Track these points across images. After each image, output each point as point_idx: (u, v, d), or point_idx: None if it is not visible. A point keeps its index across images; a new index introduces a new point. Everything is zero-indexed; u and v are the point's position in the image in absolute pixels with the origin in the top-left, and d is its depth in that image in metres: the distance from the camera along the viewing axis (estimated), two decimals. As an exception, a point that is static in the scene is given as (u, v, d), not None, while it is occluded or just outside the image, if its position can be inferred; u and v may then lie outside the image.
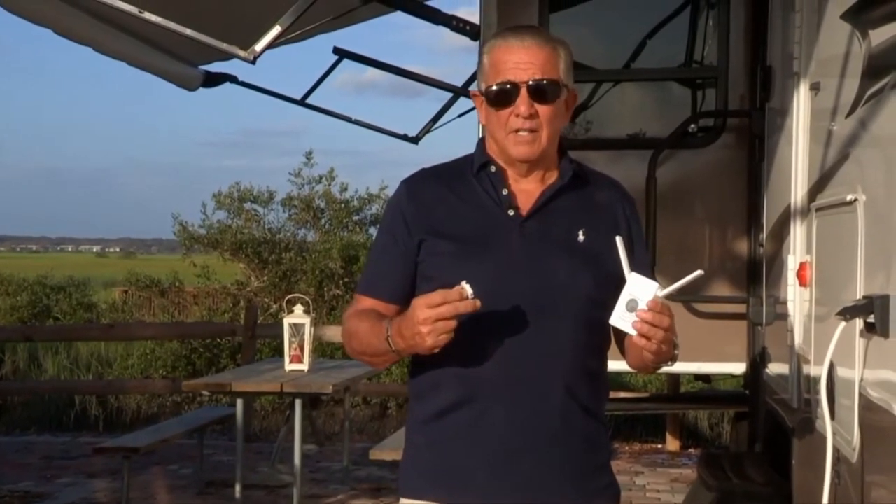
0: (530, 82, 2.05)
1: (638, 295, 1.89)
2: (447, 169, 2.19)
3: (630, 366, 2.15)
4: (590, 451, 2.10)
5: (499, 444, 2.02)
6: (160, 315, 12.75)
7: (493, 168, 2.12)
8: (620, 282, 1.99)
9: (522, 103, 2.05)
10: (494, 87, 2.07)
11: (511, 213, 2.08)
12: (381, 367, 2.15)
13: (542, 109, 2.06)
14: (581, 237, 2.08)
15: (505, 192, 2.10)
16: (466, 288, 1.89)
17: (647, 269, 2.13)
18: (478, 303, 1.89)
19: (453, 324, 1.89)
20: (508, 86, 2.05)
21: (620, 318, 1.90)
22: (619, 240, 1.95)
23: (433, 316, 1.89)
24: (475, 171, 2.13)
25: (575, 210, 2.11)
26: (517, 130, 2.06)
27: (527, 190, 2.11)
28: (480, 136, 2.22)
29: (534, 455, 2.03)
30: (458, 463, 2.05)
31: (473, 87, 2.20)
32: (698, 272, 1.92)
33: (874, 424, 2.28)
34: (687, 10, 5.14)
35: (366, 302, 2.15)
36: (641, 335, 1.89)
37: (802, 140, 3.43)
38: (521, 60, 2.05)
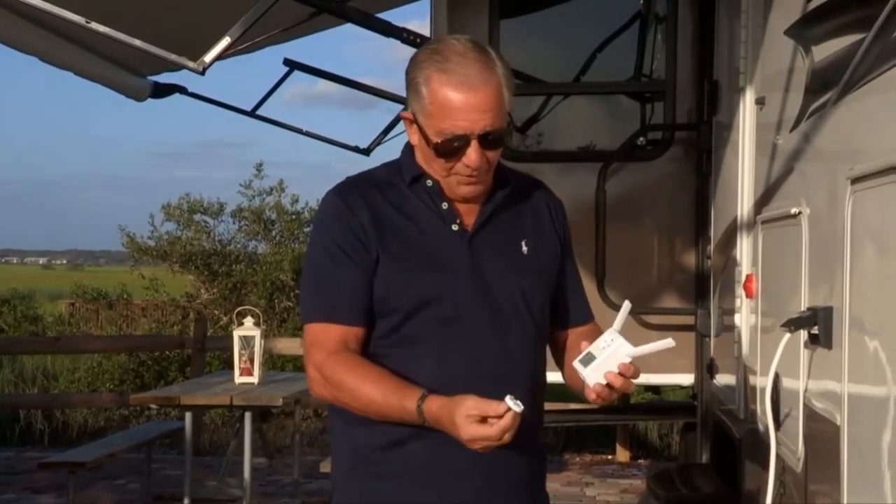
0: (482, 133, 1.91)
1: (607, 354, 1.83)
2: (375, 178, 2.06)
3: (568, 383, 2.09)
4: (541, 468, 2.10)
5: (461, 471, 1.95)
6: (108, 328, 12.55)
7: (429, 182, 2.02)
8: (559, 289, 2.00)
9: (474, 153, 1.92)
10: (441, 140, 1.92)
11: (455, 227, 2.00)
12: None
13: (492, 154, 1.95)
14: (524, 248, 2.05)
15: (445, 205, 2.01)
16: (514, 406, 1.77)
17: (575, 276, 2.15)
18: (518, 418, 1.78)
19: (504, 441, 1.79)
20: (460, 139, 1.91)
21: (581, 366, 1.85)
22: (626, 304, 1.88)
23: (483, 438, 1.78)
24: (408, 182, 2.03)
25: (514, 221, 2.07)
26: (466, 175, 1.96)
27: (465, 203, 2.03)
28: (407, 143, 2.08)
29: (494, 477, 1.98)
30: (418, 493, 1.97)
31: (405, 109, 2.02)
32: (669, 342, 1.84)
33: (818, 434, 2.31)
34: (636, 24, 5.20)
35: (332, 331, 1.96)
36: (599, 397, 1.84)
37: (748, 153, 3.48)
38: (472, 108, 1.89)
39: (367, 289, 1.96)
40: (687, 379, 4.93)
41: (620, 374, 1.82)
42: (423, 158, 2.01)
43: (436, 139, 1.93)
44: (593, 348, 1.84)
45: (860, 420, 1.97)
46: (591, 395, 1.85)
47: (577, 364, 1.84)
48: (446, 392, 1.89)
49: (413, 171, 2.03)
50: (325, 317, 1.98)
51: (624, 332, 1.88)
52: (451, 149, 1.93)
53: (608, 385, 1.83)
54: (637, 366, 1.85)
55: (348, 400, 1.95)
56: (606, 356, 1.82)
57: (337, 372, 1.94)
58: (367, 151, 6.47)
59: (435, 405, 1.85)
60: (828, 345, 2.20)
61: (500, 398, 1.83)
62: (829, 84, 2.30)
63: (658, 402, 7.43)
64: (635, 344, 1.85)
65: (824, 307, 2.23)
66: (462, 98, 1.89)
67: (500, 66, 1.94)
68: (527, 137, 5.39)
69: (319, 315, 1.99)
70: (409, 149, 2.07)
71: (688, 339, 4.82)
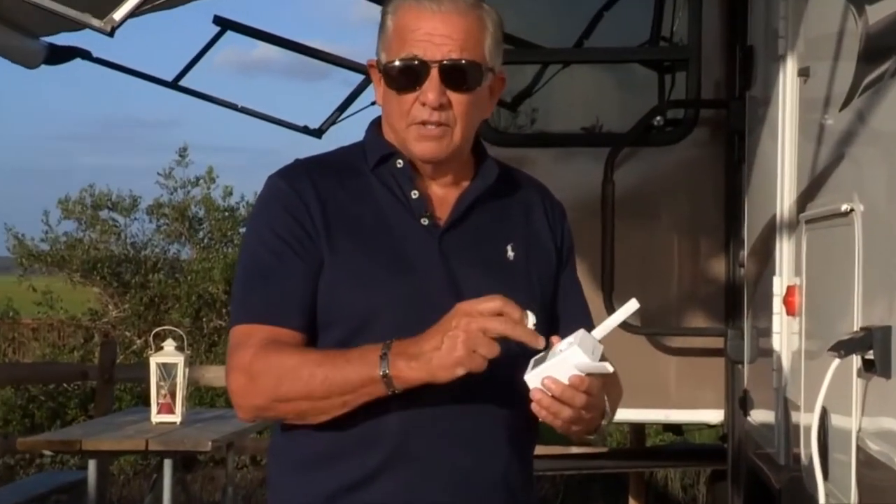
0: (444, 62, 1.96)
1: (558, 358, 1.84)
2: (332, 161, 2.10)
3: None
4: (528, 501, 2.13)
5: None
6: (-11, 354, 12.49)
7: (399, 162, 2.05)
8: (554, 298, 2.07)
9: (431, 89, 1.97)
10: (396, 63, 1.98)
11: (425, 221, 2.04)
12: (320, 419, 1.93)
13: (457, 98, 1.99)
14: (510, 253, 2.08)
15: (415, 193, 2.04)
16: (530, 317, 1.84)
17: (576, 291, 2.19)
18: (541, 340, 1.82)
19: (496, 348, 1.81)
20: (415, 63, 1.97)
21: (532, 365, 1.88)
22: (633, 301, 1.89)
23: (479, 325, 1.80)
24: (372, 165, 2.06)
25: (500, 219, 2.10)
26: (422, 123, 1.99)
27: (439, 194, 2.07)
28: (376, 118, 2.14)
29: None
30: None
31: (372, 58, 2.10)
32: (606, 366, 1.86)
33: (874, 484, 2.34)
34: (652, -25, 5.24)
35: (262, 331, 1.97)
36: (541, 407, 1.86)
37: (790, 137, 3.52)
38: (434, 31, 1.97)
39: (311, 289, 1.99)
40: (715, 416, 4.96)
41: (571, 385, 1.83)
42: (386, 116, 2.07)
43: (389, 64, 1.99)
44: (554, 349, 1.88)
45: (925, 465, 2.00)
46: (532, 404, 1.86)
47: (531, 362, 1.88)
48: (411, 433, 1.94)
49: (380, 151, 2.07)
50: (256, 318, 1.99)
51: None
52: (405, 74, 1.98)
53: (553, 396, 1.84)
54: (595, 381, 1.86)
55: (289, 387, 1.92)
56: (556, 360, 1.85)
57: (270, 360, 1.93)
58: (318, 133, 6.49)
59: (405, 339, 1.86)
60: (886, 373, 2.23)
61: (477, 435, 1.89)
62: (886, 51, 2.33)
63: (680, 446, 7.48)
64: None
65: (881, 327, 2.26)
66: (425, 17, 1.97)
67: (486, 12, 2.02)
68: (517, 116, 5.41)
69: (248, 317, 2.00)
70: (374, 126, 2.12)
71: (716, 367, 4.86)
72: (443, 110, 1.99)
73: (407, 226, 2.04)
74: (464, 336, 1.81)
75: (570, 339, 1.88)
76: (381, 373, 1.86)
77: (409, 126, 2.01)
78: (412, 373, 1.86)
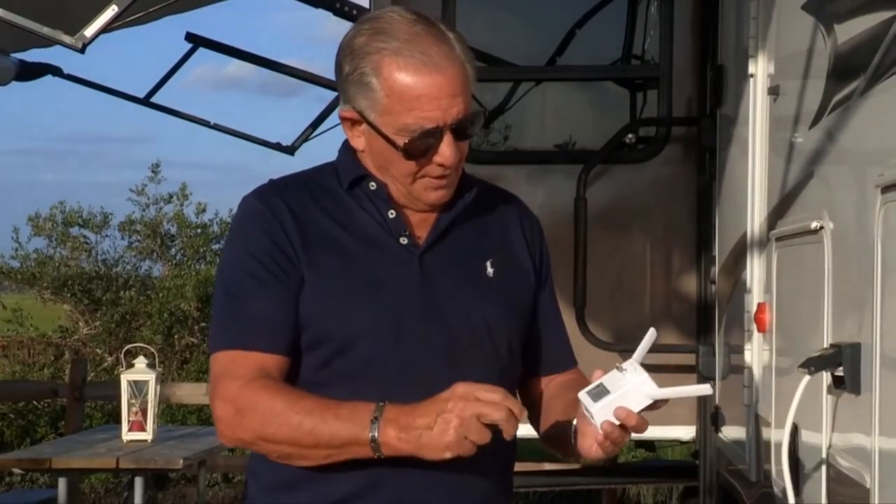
0: (454, 122, 1.96)
1: (626, 388, 1.85)
2: (306, 180, 2.09)
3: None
4: None
5: None
6: (-42, 371, 12.40)
7: (372, 184, 2.05)
8: (532, 317, 2.06)
9: (449, 152, 1.96)
10: (409, 139, 1.94)
11: (404, 241, 2.03)
12: (302, 464, 1.95)
13: (463, 145, 2.00)
14: (489, 269, 2.08)
15: (392, 213, 2.04)
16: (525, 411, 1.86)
17: (555, 312, 2.19)
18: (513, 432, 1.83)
19: (488, 435, 1.81)
20: (430, 135, 1.95)
21: (590, 399, 1.87)
22: (651, 333, 1.91)
23: (474, 411, 1.79)
24: (347, 186, 2.06)
25: (478, 236, 2.11)
26: (437, 176, 2.00)
27: (416, 212, 2.07)
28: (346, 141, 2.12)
29: None
30: None
31: (344, 108, 2.03)
32: (706, 388, 1.98)
33: (844, 500, 2.35)
34: (624, -6, 5.27)
35: (248, 358, 1.96)
36: (607, 439, 1.87)
37: (760, 154, 3.54)
38: (440, 94, 1.93)
39: (291, 312, 1.98)
40: (687, 432, 4.98)
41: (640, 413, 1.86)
42: (376, 164, 2.04)
43: (402, 139, 1.96)
44: (607, 380, 1.87)
45: (894, 481, 2.01)
46: (598, 438, 1.87)
47: (583, 395, 1.87)
48: (392, 457, 1.91)
49: (353, 173, 2.06)
50: (239, 343, 1.98)
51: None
52: (422, 147, 1.96)
53: (621, 426, 1.85)
54: (657, 407, 1.89)
55: (276, 430, 1.91)
56: (625, 391, 1.84)
57: (260, 398, 1.92)
58: (291, 150, 6.49)
59: (399, 406, 1.85)
60: (855, 389, 2.24)
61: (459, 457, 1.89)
62: (855, 70, 2.35)
63: (652, 462, 7.47)
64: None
65: (851, 343, 2.27)
66: (428, 82, 1.94)
67: (455, 39, 1.99)
68: (490, 133, 5.43)
69: (231, 342, 1.99)
70: (348, 147, 2.10)
71: (687, 383, 4.86)
72: (455, 163, 2.00)
73: (386, 245, 2.03)
74: (457, 422, 1.80)
75: (627, 366, 1.86)
76: (370, 436, 1.86)
77: (419, 179, 2.01)
78: (401, 444, 1.85)
